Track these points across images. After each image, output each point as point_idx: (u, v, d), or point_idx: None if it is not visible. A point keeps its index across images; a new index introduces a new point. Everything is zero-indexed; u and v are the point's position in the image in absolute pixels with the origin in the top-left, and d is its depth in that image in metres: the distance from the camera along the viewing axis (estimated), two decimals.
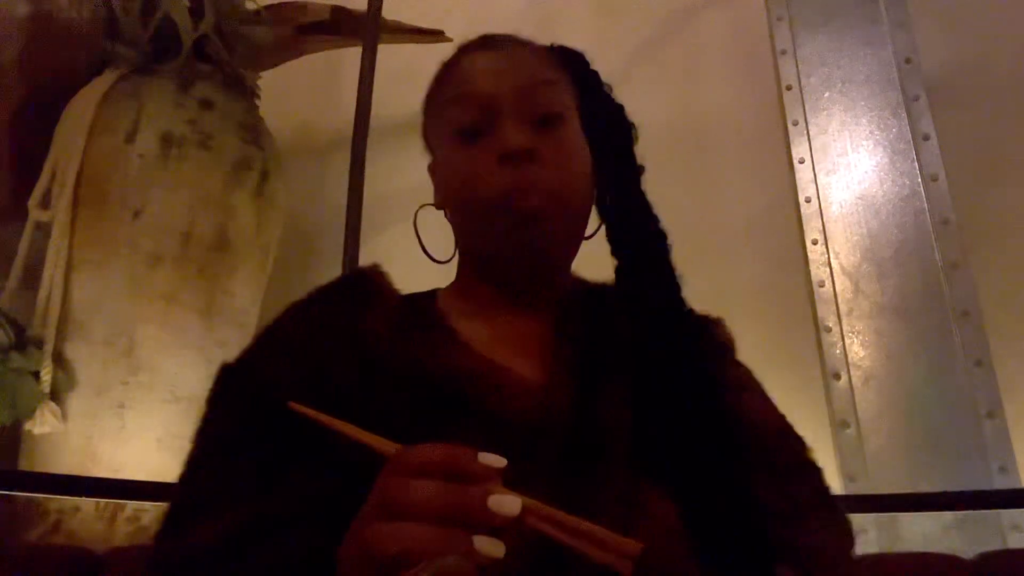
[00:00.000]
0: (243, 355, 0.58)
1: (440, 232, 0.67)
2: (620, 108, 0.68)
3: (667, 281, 0.61)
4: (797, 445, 0.61)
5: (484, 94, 0.61)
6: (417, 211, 0.68)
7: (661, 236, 0.63)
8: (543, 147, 0.58)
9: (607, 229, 0.65)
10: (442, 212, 0.69)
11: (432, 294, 0.67)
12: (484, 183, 0.58)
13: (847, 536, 0.58)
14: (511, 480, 0.40)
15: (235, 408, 0.55)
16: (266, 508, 0.47)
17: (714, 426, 0.54)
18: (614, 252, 0.63)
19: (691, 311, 0.63)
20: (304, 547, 0.45)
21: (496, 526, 0.35)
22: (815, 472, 0.59)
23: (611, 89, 0.68)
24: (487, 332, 0.61)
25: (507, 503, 0.35)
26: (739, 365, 0.66)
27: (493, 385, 0.54)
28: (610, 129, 0.66)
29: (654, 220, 0.64)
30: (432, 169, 0.70)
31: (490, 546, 0.34)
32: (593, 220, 0.65)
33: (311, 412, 0.43)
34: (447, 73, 0.66)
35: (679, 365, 0.57)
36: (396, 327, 0.58)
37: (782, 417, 0.63)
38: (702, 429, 0.53)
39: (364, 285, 0.63)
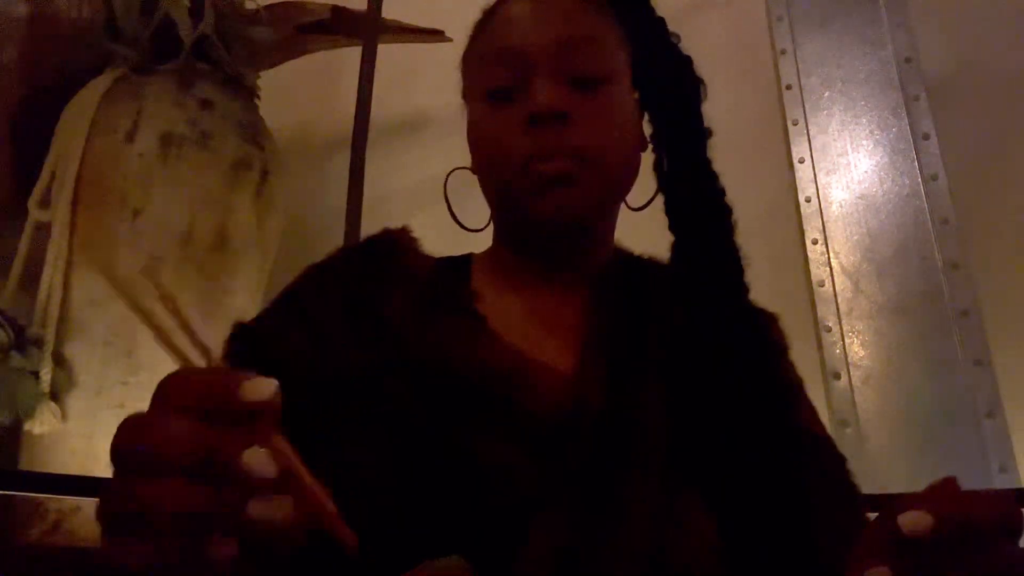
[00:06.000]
0: (259, 317, 0.55)
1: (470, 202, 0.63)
2: (687, 61, 0.59)
3: (730, 263, 0.54)
4: (841, 463, 0.56)
5: (517, 50, 0.55)
6: (448, 175, 0.64)
7: (726, 211, 0.56)
8: (579, 109, 0.53)
9: (665, 200, 0.58)
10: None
11: (467, 262, 0.62)
12: (508, 146, 0.53)
13: None
14: (536, 481, 0.35)
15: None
16: None
17: (767, 433, 0.47)
18: (672, 227, 0.56)
19: (751, 303, 0.56)
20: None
21: (253, 486, 0.26)
22: (859, 495, 0.54)
23: (679, 39, 0.60)
24: (519, 310, 0.56)
25: (259, 463, 0.26)
26: (792, 368, 0.60)
27: (519, 381, 0.48)
28: (671, 85, 0.58)
29: (719, 192, 0.56)
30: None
31: (269, 509, 0.26)
32: (650, 188, 0.59)
33: None
34: (484, 24, 0.60)
35: (735, 360, 0.50)
36: (421, 308, 0.53)
37: (825, 430, 0.58)
38: (753, 435, 0.47)
39: (392, 252, 0.58)
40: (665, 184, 0.57)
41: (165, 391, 0.29)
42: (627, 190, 0.59)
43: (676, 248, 0.56)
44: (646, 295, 0.57)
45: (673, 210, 0.56)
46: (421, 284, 0.55)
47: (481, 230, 0.64)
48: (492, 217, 0.63)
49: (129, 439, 0.28)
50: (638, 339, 0.53)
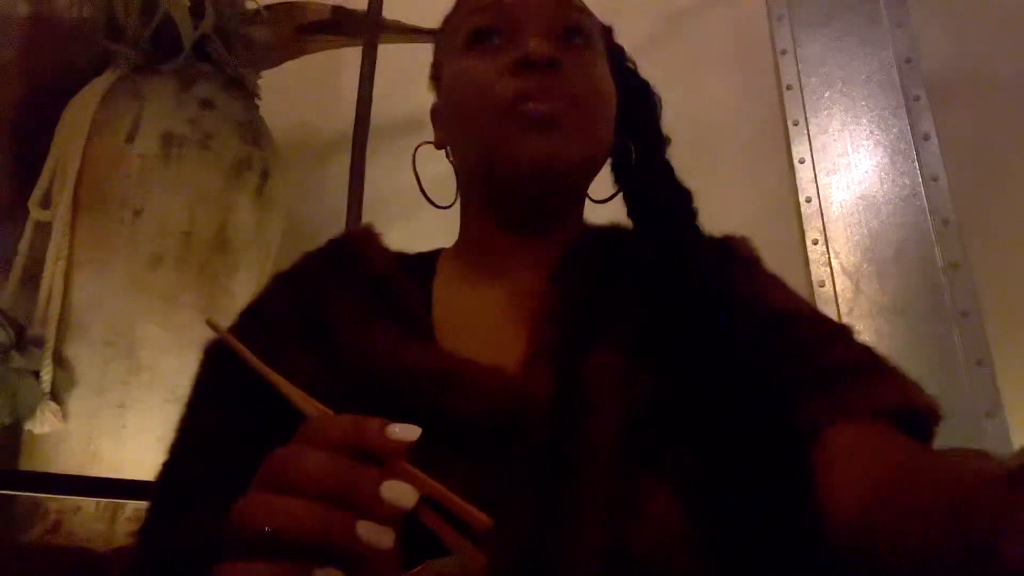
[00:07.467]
0: (231, 326, 0.56)
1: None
2: (645, 83, 0.64)
3: (688, 226, 0.58)
4: (839, 329, 0.56)
5: (509, 3, 0.55)
6: (416, 149, 0.64)
7: (687, 195, 0.60)
8: (568, 61, 0.53)
9: (625, 193, 0.61)
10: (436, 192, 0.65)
11: (434, 257, 0.62)
12: (494, 88, 0.52)
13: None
14: (485, 488, 0.35)
15: (215, 384, 0.53)
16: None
17: (734, 395, 0.46)
18: (632, 212, 0.59)
19: (708, 237, 0.59)
20: None
21: (385, 515, 0.29)
22: (857, 345, 0.54)
23: (635, 66, 0.65)
24: (477, 303, 0.55)
25: (399, 493, 0.29)
26: (765, 273, 0.61)
27: (454, 386, 0.47)
28: (635, 97, 0.62)
29: (681, 183, 0.61)
30: (435, 111, 0.65)
31: (375, 535, 0.29)
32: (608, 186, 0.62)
33: (245, 352, 0.39)
34: None
35: (695, 285, 0.51)
36: (361, 313, 0.52)
37: (816, 310, 0.59)
38: (721, 400, 0.45)
39: (351, 253, 0.58)
40: (628, 179, 0.61)
41: (310, 428, 0.32)
42: (605, 155, 0.59)
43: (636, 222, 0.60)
44: (611, 263, 0.56)
45: (637, 197, 0.60)
46: (371, 286, 0.54)
47: (449, 207, 0.64)
48: (462, 186, 0.63)
49: (273, 466, 0.31)
50: (598, 312, 0.52)
